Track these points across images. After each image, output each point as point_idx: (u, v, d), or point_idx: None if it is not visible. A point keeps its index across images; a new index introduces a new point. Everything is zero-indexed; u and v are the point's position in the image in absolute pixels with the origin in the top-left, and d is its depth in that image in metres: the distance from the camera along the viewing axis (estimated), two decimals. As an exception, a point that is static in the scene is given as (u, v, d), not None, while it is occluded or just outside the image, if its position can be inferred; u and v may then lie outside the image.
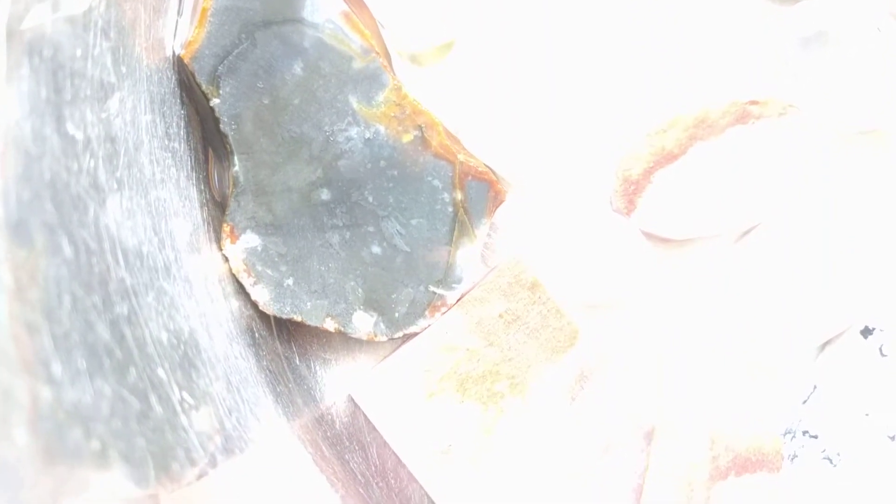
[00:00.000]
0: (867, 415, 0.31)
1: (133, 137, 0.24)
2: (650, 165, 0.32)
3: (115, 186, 0.22)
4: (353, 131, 0.29)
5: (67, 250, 0.18)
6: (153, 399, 0.19)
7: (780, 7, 0.34)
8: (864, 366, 0.32)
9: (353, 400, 0.29)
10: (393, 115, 0.29)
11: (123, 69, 0.24)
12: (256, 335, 0.28)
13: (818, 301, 0.32)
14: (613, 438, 0.31)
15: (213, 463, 0.21)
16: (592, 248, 0.32)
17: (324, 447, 0.28)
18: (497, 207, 0.30)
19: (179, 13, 0.28)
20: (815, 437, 0.32)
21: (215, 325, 0.26)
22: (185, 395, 0.21)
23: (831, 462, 0.32)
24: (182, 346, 0.22)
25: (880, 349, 0.32)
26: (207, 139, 0.29)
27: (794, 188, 0.33)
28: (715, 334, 0.33)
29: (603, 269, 0.32)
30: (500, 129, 0.32)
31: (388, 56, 0.30)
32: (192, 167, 0.28)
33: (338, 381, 0.30)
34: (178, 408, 0.20)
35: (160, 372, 0.20)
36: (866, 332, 0.32)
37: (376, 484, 0.29)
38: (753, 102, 0.33)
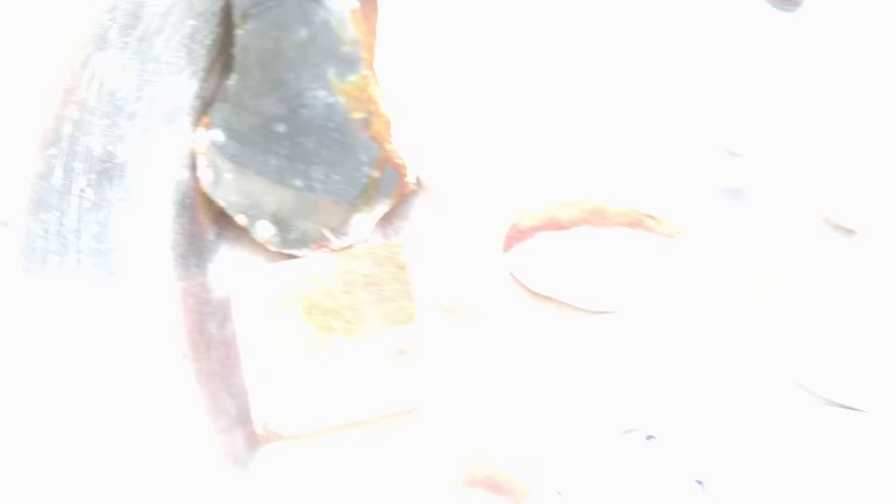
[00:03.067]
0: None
1: (157, 24, 0.34)
2: (538, 224, 0.39)
3: (120, 46, 0.32)
4: (321, 94, 0.37)
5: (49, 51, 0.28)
6: (58, 172, 0.28)
7: (723, 153, 0.40)
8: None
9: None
10: (354, 94, 0.37)
11: (173, -22, 0.34)
12: (187, 201, 0.37)
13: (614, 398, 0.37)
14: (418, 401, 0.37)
15: (63, 250, 0.29)
16: (467, 264, 0.39)
17: (190, 299, 0.37)
18: (400, 196, 0.38)
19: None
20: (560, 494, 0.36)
21: (154, 171, 0.35)
22: (90, 191, 0.30)
23: None
24: (110, 163, 0.32)
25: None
26: (223, 53, 0.38)
27: (655, 301, 0.38)
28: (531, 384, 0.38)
29: (466, 283, 0.38)
30: (440, 143, 0.39)
31: (372, 52, 0.38)
32: (202, 67, 0.37)
33: (234, 264, 0.39)
34: (76, 191, 0.29)
35: (77, 165, 0.30)
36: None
37: (216, 349, 0.37)
38: (650, 216, 0.39)
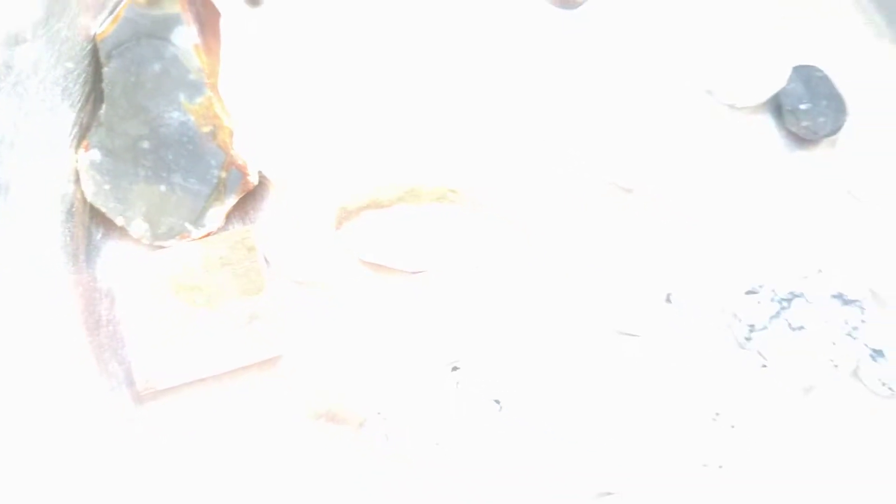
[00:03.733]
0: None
1: (29, 69, 0.42)
2: (363, 206, 0.47)
3: (-5, 90, 0.41)
4: (175, 114, 0.46)
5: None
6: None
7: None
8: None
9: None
10: (201, 113, 0.46)
11: (41, 32, 0.43)
12: (73, 208, 0.46)
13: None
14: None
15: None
16: (308, 242, 0.47)
17: (81, 288, 0.45)
18: (245, 191, 0.47)
19: (109, 14, 0.46)
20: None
21: (42, 187, 0.44)
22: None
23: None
24: (-6, 182, 0.40)
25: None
26: (95, 88, 0.47)
27: (459, 259, 0.47)
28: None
29: (308, 257, 0.47)
30: (278, 145, 0.48)
31: (215, 77, 0.47)
32: (77, 100, 0.46)
33: (116, 257, 0.47)
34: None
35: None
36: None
37: (105, 327, 0.46)
38: (453, 191, 0.47)
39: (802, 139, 0.50)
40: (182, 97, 0.46)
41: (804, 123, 0.50)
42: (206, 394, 0.46)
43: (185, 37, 0.46)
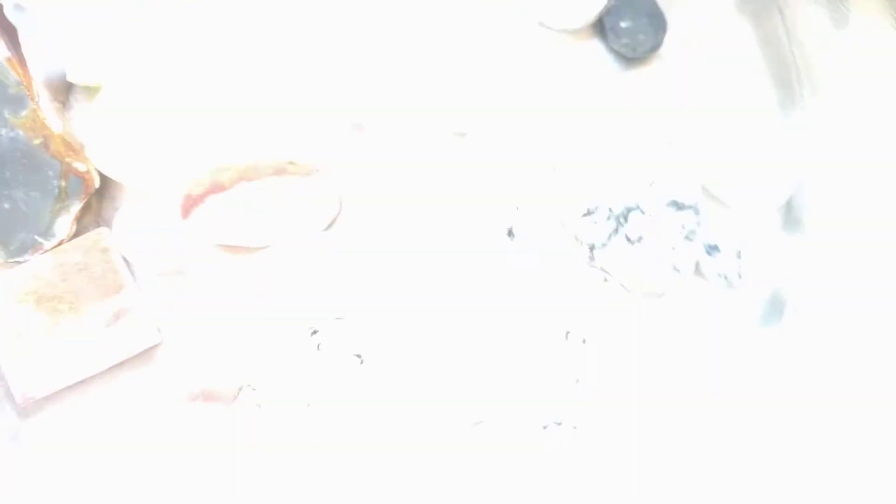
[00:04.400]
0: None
1: None
2: (207, 190, 0.48)
3: None
4: (3, 131, 0.47)
5: None
6: None
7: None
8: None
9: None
10: (29, 126, 0.47)
11: None
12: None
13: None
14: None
15: None
16: (160, 234, 0.48)
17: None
18: (87, 196, 0.47)
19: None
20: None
21: None
22: None
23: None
24: None
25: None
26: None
27: (302, 228, 0.48)
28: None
29: (163, 248, 0.48)
30: (115, 146, 0.48)
31: (33, 88, 0.47)
32: None
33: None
34: None
35: None
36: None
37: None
38: (291, 163, 0.48)
39: (628, 57, 0.52)
40: (6, 113, 0.47)
41: (624, 41, 0.51)
42: (87, 395, 0.48)
43: (-3, 52, 0.46)
